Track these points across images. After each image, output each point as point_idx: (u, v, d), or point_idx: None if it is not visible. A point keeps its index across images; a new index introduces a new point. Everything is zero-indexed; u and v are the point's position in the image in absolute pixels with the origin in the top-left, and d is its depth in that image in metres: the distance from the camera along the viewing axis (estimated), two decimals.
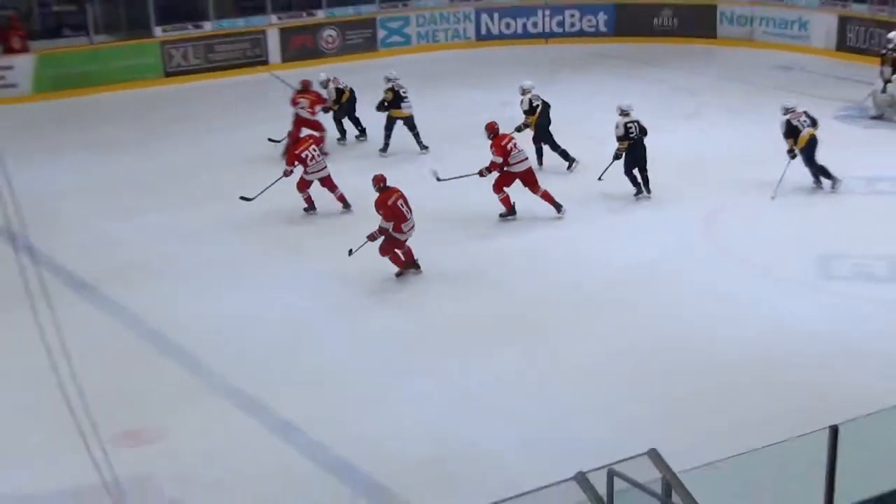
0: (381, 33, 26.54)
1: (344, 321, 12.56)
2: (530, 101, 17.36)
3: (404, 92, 18.39)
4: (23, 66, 23.18)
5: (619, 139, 15.81)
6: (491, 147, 15.17)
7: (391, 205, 13.15)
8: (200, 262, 14.28)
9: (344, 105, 19.00)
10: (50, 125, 21.14)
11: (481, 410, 10.49)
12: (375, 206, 13.32)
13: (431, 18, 26.93)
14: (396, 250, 13.37)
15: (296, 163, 15.47)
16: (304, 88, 18.74)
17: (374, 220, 13.27)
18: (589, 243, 14.58)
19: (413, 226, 13.37)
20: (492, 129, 15.39)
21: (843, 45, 24.40)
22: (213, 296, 13.26)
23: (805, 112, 15.93)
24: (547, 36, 27.18)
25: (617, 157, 15.96)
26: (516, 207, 15.33)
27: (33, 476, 9.50)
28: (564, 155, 17.34)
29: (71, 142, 19.96)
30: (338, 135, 19.19)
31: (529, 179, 15.27)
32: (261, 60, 25.12)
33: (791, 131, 15.73)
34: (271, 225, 15.53)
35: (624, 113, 15.87)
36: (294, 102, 18.59)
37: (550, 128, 17.37)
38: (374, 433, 10.08)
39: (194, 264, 14.24)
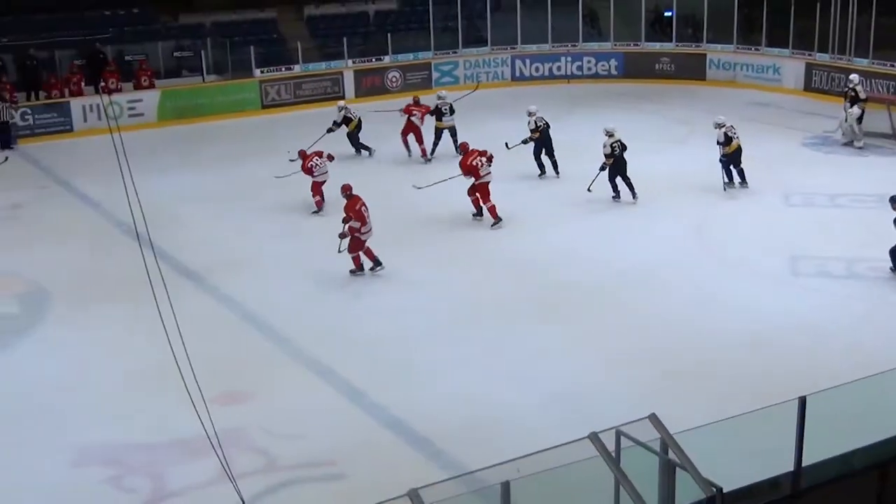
0: (435, 74, 26.43)
1: (397, 303, 12.47)
2: (535, 122, 17.35)
3: (445, 109, 19.09)
4: (149, 99, 23.32)
5: (606, 156, 15.65)
6: (460, 164, 15.07)
7: (358, 209, 13.02)
8: (281, 256, 14.27)
9: (354, 130, 19.46)
10: (169, 147, 21.19)
11: (510, 379, 10.35)
12: (345, 209, 13.19)
13: (476, 63, 26.87)
14: (360, 251, 13.16)
15: (313, 173, 15.83)
16: (416, 102, 19.40)
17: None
18: (588, 244, 14.35)
19: (370, 229, 13.15)
20: (464, 149, 15.26)
21: (809, 87, 24.19)
22: (293, 282, 13.23)
23: (731, 126, 16.23)
24: (569, 77, 26.97)
25: (602, 169, 15.80)
26: (520, 213, 15.33)
27: (153, 427, 9.52)
28: (541, 166, 17.43)
29: (186, 160, 20.06)
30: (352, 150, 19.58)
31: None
32: (338, 96, 24.93)
33: (727, 140, 16.06)
34: (328, 227, 15.38)
35: (609, 134, 15.74)
36: (409, 112, 19.14)
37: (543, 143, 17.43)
38: (424, 397, 9.97)
39: (277, 257, 14.23)
